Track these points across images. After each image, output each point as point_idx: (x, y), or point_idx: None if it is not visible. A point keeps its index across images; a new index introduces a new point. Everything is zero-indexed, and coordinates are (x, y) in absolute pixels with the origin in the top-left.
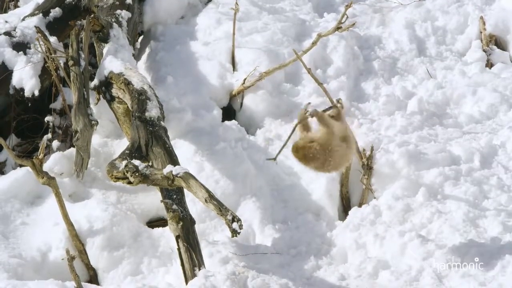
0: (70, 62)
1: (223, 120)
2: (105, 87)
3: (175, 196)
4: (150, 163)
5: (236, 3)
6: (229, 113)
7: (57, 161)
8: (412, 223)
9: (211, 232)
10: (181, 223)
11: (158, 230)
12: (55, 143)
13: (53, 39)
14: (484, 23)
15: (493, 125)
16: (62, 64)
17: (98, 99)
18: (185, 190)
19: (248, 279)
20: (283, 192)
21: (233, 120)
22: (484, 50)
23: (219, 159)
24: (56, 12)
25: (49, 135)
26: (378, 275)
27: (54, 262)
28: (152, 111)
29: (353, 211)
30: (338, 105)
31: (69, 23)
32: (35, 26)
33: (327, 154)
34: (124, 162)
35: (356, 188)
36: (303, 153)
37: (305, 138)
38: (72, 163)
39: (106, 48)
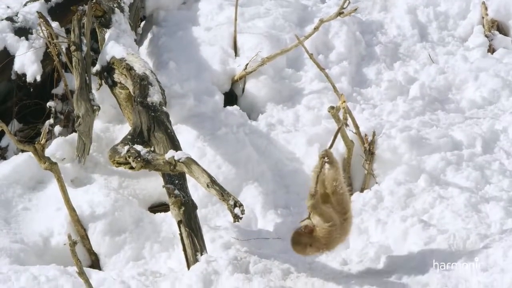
0: (72, 48)
1: (225, 106)
2: (107, 72)
3: (177, 181)
4: (152, 148)
5: None
6: (231, 98)
7: (59, 146)
8: (414, 208)
9: (213, 217)
10: (183, 208)
11: (160, 215)
12: (57, 129)
13: (55, 25)
14: (486, 9)
15: (495, 110)
16: (64, 50)
17: (100, 85)
18: (187, 175)
19: (250, 264)
20: (285, 177)
21: (235, 106)
22: (486, 36)
23: (221, 144)
24: None
25: (51, 121)
26: (380, 260)
27: (56, 247)
28: (154, 97)
29: (355, 196)
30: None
31: (71, 9)
32: (37, 12)
33: (326, 246)
34: (126, 147)
35: (358, 173)
36: (300, 250)
37: (308, 237)
38: (74, 149)
39: (108, 33)
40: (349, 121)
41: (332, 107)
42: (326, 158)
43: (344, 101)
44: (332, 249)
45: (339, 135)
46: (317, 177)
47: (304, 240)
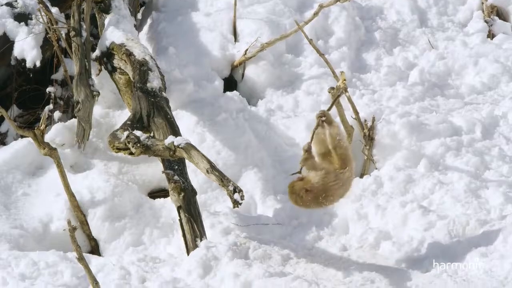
0: (72, 33)
1: (224, 91)
2: (107, 58)
3: (176, 167)
4: (151, 134)
5: None
6: (230, 84)
7: (58, 132)
8: (414, 194)
9: (213, 203)
10: (183, 194)
11: (159, 201)
12: (57, 114)
13: (54, 10)
14: None
15: (495, 96)
16: (63, 35)
17: (100, 70)
18: (187, 161)
19: (249, 250)
20: (284, 162)
21: (235, 91)
22: (485, 21)
23: (220, 130)
24: None
25: (51, 106)
26: (380, 246)
27: (55, 233)
28: (154, 82)
29: (355, 182)
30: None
31: None
32: None
33: (323, 196)
34: (126, 133)
35: (358, 159)
36: (296, 198)
37: (302, 182)
38: (74, 134)
39: (107, 19)
40: (349, 107)
41: (332, 88)
42: (323, 117)
43: (344, 79)
44: (331, 200)
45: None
46: (313, 134)
47: (298, 185)
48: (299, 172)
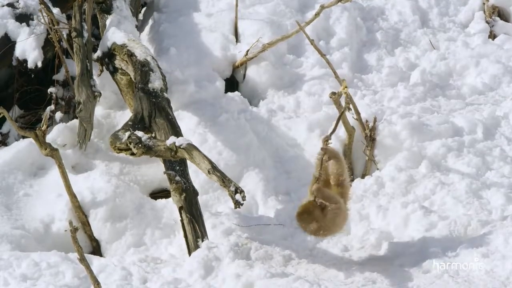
0: (73, 34)
1: (226, 92)
2: (108, 58)
3: (178, 168)
4: (153, 135)
5: None
6: (232, 84)
7: (60, 133)
8: (415, 195)
9: (214, 203)
10: (184, 195)
11: (161, 202)
12: (58, 115)
13: (56, 11)
14: None
15: (496, 97)
16: (65, 36)
17: (101, 71)
18: (188, 162)
19: (251, 250)
20: (286, 163)
21: (236, 92)
22: (487, 21)
23: (222, 130)
24: None
25: (52, 107)
26: (381, 246)
27: (57, 234)
28: (155, 83)
29: (356, 183)
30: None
31: None
32: None
33: (322, 220)
34: (127, 134)
35: (359, 159)
36: (303, 225)
37: (317, 205)
38: (75, 135)
39: (109, 19)
40: (351, 107)
41: (333, 93)
42: (329, 141)
43: (346, 87)
44: (331, 234)
45: (340, 121)
46: (321, 162)
47: (316, 213)
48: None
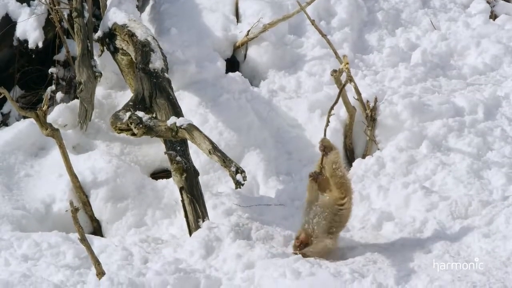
0: (74, 14)
1: (227, 72)
2: (109, 38)
3: (178, 148)
4: (153, 115)
5: None
6: (233, 64)
7: (61, 113)
8: (416, 175)
9: (215, 183)
10: (185, 175)
11: (162, 182)
12: (59, 95)
13: None
14: None
15: (497, 77)
16: (66, 16)
17: (102, 51)
18: (189, 142)
19: (252, 231)
20: (287, 144)
21: (237, 72)
22: (488, 2)
23: (223, 110)
24: None
25: (53, 87)
26: (382, 226)
27: (58, 214)
28: (156, 63)
29: (357, 163)
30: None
31: None
32: None
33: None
34: (128, 114)
35: (360, 139)
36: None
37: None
38: (76, 115)
39: None
40: (351, 85)
41: (334, 71)
42: (325, 148)
43: (347, 63)
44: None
45: (341, 99)
46: (320, 163)
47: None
48: (320, 173)
